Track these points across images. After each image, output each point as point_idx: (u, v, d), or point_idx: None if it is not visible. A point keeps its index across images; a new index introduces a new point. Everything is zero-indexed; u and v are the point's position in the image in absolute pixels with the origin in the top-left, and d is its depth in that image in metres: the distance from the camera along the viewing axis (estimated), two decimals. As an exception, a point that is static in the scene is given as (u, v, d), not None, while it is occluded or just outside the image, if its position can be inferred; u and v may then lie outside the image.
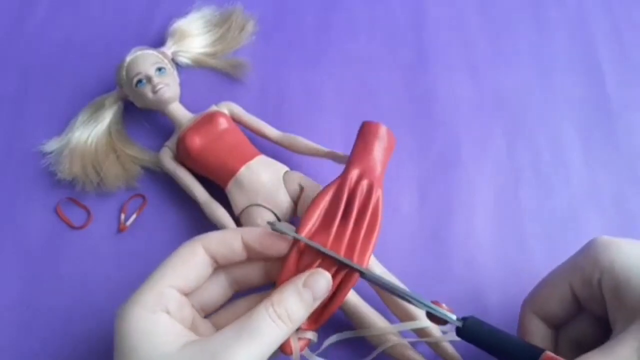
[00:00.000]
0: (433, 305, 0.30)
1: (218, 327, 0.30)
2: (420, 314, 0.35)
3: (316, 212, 0.32)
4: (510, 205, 0.42)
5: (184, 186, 0.40)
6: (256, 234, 0.30)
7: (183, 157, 0.40)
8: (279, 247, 0.30)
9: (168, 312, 0.27)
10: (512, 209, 0.42)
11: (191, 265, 0.29)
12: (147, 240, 0.40)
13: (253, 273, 0.31)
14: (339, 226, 0.32)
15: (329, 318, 0.30)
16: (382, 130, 0.35)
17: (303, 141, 0.41)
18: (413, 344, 0.35)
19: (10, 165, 0.43)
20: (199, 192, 0.40)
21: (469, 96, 0.46)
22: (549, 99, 0.46)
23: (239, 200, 0.38)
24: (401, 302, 0.35)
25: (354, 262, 0.30)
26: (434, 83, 0.47)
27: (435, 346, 0.35)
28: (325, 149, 0.40)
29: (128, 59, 0.42)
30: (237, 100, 0.43)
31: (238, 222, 0.39)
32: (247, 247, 0.30)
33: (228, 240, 0.30)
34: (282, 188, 0.38)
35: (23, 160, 0.43)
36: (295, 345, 0.29)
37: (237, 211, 0.38)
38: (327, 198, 0.33)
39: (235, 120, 0.42)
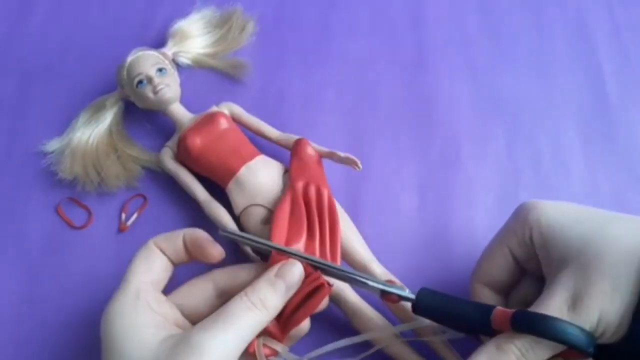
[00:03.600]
0: (386, 284, 0.31)
1: None
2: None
3: (281, 226, 0.35)
4: (510, 206, 0.42)
5: (185, 186, 0.40)
6: (192, 237, 0.31)
7: (184, 157, 0.40)
8: (209, 253, 0.31)
9: (149, 305, 0.28)
10: (512, 209, 0.42)
11: (151, 259, 0.30)
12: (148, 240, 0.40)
13: (241, 285, 0.30)
14: (307, 230, 0.35)
15: (296, 325, 0.31)
16: (306, 142, 0.40)
17: (303, 141, 0.41)
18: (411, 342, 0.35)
19: (11, 165, 0.43)
20: (200, 192, 0.40)
21: (469, 96, 0.46)
22: (548, 99, 0.46)
23: (239, 200, 0.38)
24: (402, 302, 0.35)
25: (330, 261, 0.34)
26: (434, 83, 0.47)
27: (436, 346, 0.35)
28: (325, 149, 0.40)
29: (129, 59, 0.42)
30: (237, 100, 0.43)
31: (238, 221, 0.39)
32: (185, 247, 0.31)
33: (172, 238, 0.31)
34: (282, 188, 0.38)
35: (24, 160, 0.43)
36: (260, 350, 0.30)
37: (237, 211, 0.38)
38: (286, 212, 0.36)
39: (235, 120, 0.42)
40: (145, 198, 0.42)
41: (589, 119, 0.45)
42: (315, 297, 0.30)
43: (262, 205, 0.38)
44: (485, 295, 0.34)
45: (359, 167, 0.38)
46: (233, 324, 0.27)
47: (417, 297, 0.31)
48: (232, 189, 0.39)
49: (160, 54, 0.43)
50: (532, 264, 0.32)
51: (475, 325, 0.30)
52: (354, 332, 0.36)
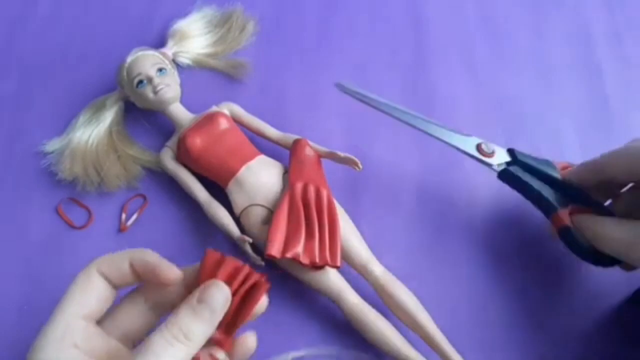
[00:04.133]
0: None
1: None
2: (424, 317, 0.35)
3: (280, 226, 0.35)
4: (509, 205, 0.42)
5: (185, 186, 0.40)
6: (142, 261, 0.28)
7: (184, 157, 0.40)
8: (164, 276, 0.27)
9: (75, 345, 0.26)
10: (511, 209, 0.42)
11: (89, 290, 0.27)
12: (148, 240, 0.40)
13: (172, 294, 0.28)
14: (306, 232, 0.35)
15: (241, 326, 0.28)
16: (305, 142, 0.40)
17: (303, 141, 0.41)
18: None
19: (11, 166, 0.43)
20: (200, 192, 0.40)
21: (469, 96, 0.46)
22: (548, 99, 0.46)
23: (239, 200, 0.38)
24: (401, 302, 0.35)
25: (329, 262, 0.35)
26: (434, 83, 0.47)
27: (434, 346, 0.35)
28: (325, 149, 0.40)
29: (129, 59, 0.42)
30: (237, 100, 0.43)
31: (238, 222, 0.39)
32: (134, 271, 0.28)
33: (117, 262, 0.28)
34: (282, 188, 0.38)
35: (24, 161, 0.43)
36: None
37: (237, 211, 0.38)
38: (285, 213, 0.36)
39: (235, 120, 0.42)
40: (145, 198, 0.42)
41: (588, 119, 0.46)
42: (253, 296, 0.27)
43: (262, 205, 0.38)
44: (585, 175, 0.35)
45: (359, 167, 0.38)
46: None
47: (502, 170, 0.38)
48: (232, 189, 0.39)
49: (160, 54, 0.43)
50: None
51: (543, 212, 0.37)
52: (354, 331, 0.36)
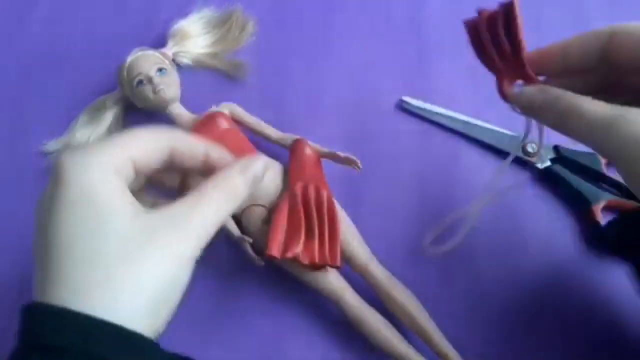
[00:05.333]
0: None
1: None
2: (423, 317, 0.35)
3: (280, 227, 0.35)
4: (509, 206, 0.42)
5: (185, 186, 0.40)
6: (224, 160, 0.29)
7: (184, 157, 0.40)
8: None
9: (120, 174, 0.25)
10: (511, 210, 0.42)
11: (153, 151, 0.27)
12: (148, 241, 0.40)
13: (197, 156, 0.29)
14: (305, 232, 0.35)
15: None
16: (304, 142, 0.40)
17: (303, 141, 0.41)
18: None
19: (11, 166, 0.43)
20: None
21: (469, 96, 0.46)
22: (548, 99, 0.46)
23: (239, 201, 0.38)
24: (401, 302, 0.35)
25: (329, 262, 0.35)
26: (434, 83, 0.47)
27: (433, 346, 0.35)
28: (325, 149, 0.40)
29: (129, 59, 0.42)
30: (237, 100, 0.43)
31: (239, 222, 0.39)
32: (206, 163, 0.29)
33: (193, 149, 0.29)
34: (282, 188, 0.38)
35: (24, 161, 0.43)
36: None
37: (237, 211, 0.38)
38: (285, 213, 0.36)
39: (235, 120, 0.42)
40: (145, 198, 0.42)
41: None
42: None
43: (262, 206, 0.38)
44: (590, 47, 0.30)
45: (358, 167, 0.38)
46: (215, 209, 0.26)
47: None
48: (232, 189, 0.39)
49: (160, 54, 0.43)
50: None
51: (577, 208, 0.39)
52: (354, 332, 0.36)
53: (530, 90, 0.30)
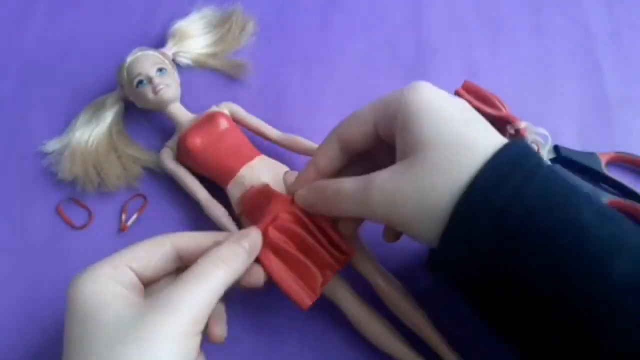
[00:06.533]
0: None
1: None
2: (423, 317, 0.35)
3: (287, 279, 0.33)
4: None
5: (185, 186, 0.40)
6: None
7: (184, 157, 0.40)
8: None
9: (122, 284, 0.28)
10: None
11: (153, 254, 0.29)
12: (148, 241, 0.40)
13: (202, 247, 0.31)
14: (310, 259, 0.33)
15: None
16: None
17: (303, 141, 0.41)
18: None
19: (11, 166, 0.43)
20: (200, 192, 0.40)
21: (469, 96, 0.46)
22: (548, 99, 0.46)
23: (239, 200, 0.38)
24: (401, 302, 0.35)
25: (344, 261, 0.34)
26: (434, 83, 0.47)
27: (434, 346, 0.35)
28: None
29: (129, 59, 0.42)
30: (237, 100, 0.43)
31: (238, 222, 0.39)
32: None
33: (199, 242, 0.30)
34: (282, 188, 0.38)
35: (24, 161, 0.43)
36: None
37: (237, 211, 0.38)
38: (278, 265, 0.33)
39: (235, 120, 0.42)
40: (145, 198, 0.42)
41: (588, 119, 0.45)
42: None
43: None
44: (332, 145, 0.33)
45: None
46: (205, 281, 0.27)
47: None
48: (232, 189, 0.39)
49: (160, 54, 0.43)
50: (393, 139, 0.31)
51: None
52: (354, 331, 0.36)
53: (303, 193, 0.33)
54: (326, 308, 0.37)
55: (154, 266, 0.29)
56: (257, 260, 0.32)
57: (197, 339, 0.27)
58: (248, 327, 0.38)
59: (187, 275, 0.27)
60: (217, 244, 0.30)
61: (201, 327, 0.27)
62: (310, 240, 0.33)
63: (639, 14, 0.50)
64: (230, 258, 0.29)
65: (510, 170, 0.26)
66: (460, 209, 0.26)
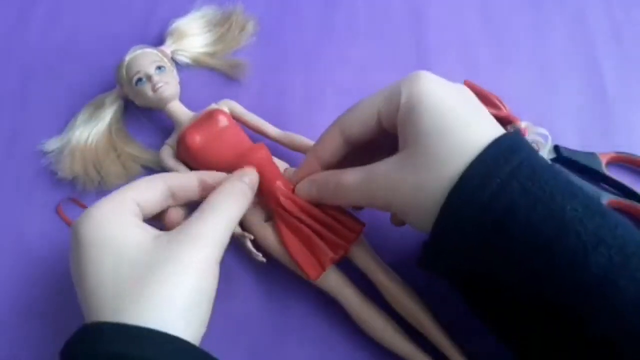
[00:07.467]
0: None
1: None
2: (426, 313, 0.35)
3: (299, 251, 0.35)
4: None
5: (184, 185, 0.40)
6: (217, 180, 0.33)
7: (183, 154, 0.40)
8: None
9: (136, 216, 0.30)
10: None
11: (154, 190, 0.31)
12: (147, 240, 0.40)
13: (191, 186, 0.33)
14: (318, 233, 0.35)
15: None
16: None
17: (302, 140, 0.41)
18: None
19: (10, 165, 0.43)
20: (199, 191, 0.40)
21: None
22: (548, 99, 0.46)
23: (239, 199, 0.38)
24: (403, 298, 0.35)
25: (358, 232, 0.35)
26: (434, 83, 0.47)
27: (436, 342, 0.35)
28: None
29: (128, 57, 0.42)
30: (237, 100, 0.43)
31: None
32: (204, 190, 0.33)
33: (187, 181, 0.33)
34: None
35: (23, 160, 0.43)
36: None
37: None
38: (290, 235, 0.36)
39: (235, 118, 0.42)
40: (144, 197, 0.42)
41: (588, 119, 0.46)
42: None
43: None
44: (333, 138, 0.33)
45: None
46: (223, 213, 0.30)
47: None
48: (231, 187, 0.39)
49: (159, 52, 0.43)
50: (395, 130, 0.31)
51: None
52: (356, 328, 0.36)
53: (305, 186, 0.35)
54: (328, 305, 0.37)
55: (154, 201, 0.31)
56: (274, 228, 0.36)
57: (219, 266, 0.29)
58: (248, 326, 0.38)
59: (207, 209, 0.30)
60: (202, 181, 0.33)
61: (222, 254, 0.29)
62: (320, 215, 0.35)
63: (639, 13, 0.50)
64: (239, 193, 0.32)
65: (498, 164, 0.27)
66: (450, 202, 0.27)
